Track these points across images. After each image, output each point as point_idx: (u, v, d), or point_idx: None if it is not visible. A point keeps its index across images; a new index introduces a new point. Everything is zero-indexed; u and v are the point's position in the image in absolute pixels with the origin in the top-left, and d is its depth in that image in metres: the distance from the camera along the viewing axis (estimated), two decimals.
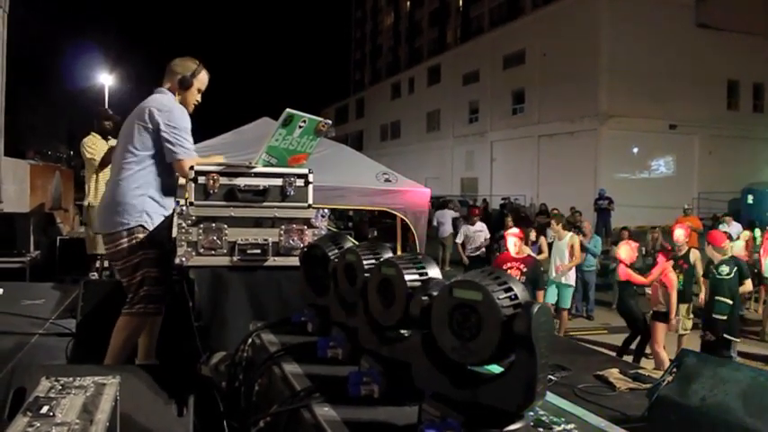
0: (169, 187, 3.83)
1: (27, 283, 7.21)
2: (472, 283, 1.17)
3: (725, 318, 6.86)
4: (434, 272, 1.39)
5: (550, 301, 9.48)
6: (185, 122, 3.74)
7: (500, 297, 1.14)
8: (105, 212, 3.78)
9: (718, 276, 6.95)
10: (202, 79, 3.98)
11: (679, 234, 8.24)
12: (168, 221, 3.78)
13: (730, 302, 6.93)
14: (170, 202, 3.82)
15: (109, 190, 3.84)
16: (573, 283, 9.81)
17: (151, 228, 3.67)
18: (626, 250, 8.34)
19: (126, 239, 3.66)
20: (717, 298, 6.86)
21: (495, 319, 1.11)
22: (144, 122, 3.72)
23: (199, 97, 4.03)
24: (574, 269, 9.82)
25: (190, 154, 3.68)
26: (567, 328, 9.87)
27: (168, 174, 3.80)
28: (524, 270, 8.33)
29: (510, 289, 1.16)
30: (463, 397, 1.14)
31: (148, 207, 3.69)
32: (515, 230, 9.03)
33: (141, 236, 3.65)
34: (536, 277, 8.42)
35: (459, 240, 13.14)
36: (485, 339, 1.13)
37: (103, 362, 3.65)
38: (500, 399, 1.09)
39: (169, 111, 3.72)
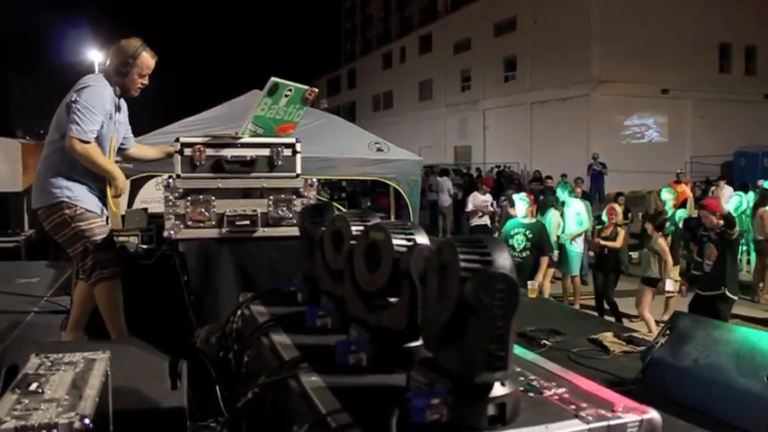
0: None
1: (22, 262, 7.24)
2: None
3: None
4: (422, 238, 1.38)
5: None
6: (96, 102, 3.61)
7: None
8: (33, 191, 3.79)
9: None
10: (142, 63, 3.81)
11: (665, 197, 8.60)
12: (98, 191, 3.73)
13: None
14: (93, 176, 3.70)
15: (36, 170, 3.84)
16: (579, 249, 9.89)
17: (76, 201, 3.62)
18: None
19: (54, 216, 3.64)
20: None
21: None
22: (66, 102, 3.67)
23: (144, 80, 3.88)
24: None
25: (84, 135, 3.53)
26: (555, 294, 9.87)
27: None
28: (530, 236, 8.26)
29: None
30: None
31: (66, 184, 3.62)
32: (524, 194, 8.99)
33: (68, 211, 3.61)
34: (541, 243, 8.34)
35: (469, 209, 13.05)
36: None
37: (99, 338, 3.68)
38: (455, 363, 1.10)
39: (82, 88, 3.63)
